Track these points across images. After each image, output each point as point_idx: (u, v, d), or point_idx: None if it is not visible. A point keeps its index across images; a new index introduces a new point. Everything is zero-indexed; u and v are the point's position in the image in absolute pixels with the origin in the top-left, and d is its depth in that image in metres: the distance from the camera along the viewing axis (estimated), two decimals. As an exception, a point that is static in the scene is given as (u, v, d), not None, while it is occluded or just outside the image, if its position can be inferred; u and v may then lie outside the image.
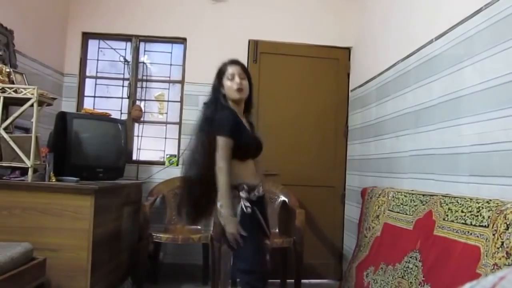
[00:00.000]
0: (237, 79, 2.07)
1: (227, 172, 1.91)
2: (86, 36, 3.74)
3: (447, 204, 1.82)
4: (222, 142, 1.93)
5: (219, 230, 2.14)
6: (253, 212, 1.98)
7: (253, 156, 2.13)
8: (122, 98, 3.77)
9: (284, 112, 3.70)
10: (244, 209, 1.95)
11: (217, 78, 2.15)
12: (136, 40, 3.75)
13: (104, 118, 3.16)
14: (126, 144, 3.27)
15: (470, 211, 1.62)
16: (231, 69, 2.10)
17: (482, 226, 1.52)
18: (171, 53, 3.84)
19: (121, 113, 3.75)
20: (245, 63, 2.29)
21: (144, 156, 3.74)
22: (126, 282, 3.08)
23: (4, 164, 2.33)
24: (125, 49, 3.81)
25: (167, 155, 3.73)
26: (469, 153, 1.90)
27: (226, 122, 1.98)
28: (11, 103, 2.47)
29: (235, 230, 1.89)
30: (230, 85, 2.08)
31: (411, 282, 1.89)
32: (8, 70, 2.46)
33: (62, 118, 2.76)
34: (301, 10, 3.79)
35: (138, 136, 3.73)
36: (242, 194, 1.97)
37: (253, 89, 2.22)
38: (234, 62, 2.15)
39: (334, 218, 3.73)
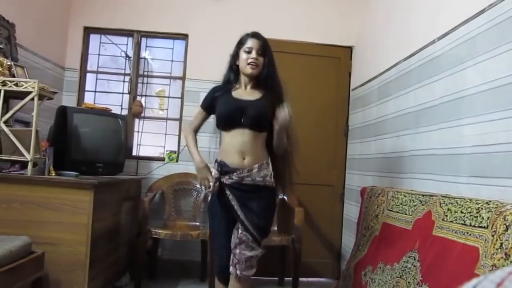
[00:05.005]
0: (253, 54, 2.03)
1: (187, 135, 2.21)
2: (88, 31, 3.73)
3: (446, 205, 1.81)
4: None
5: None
6: (218, 196, 2.01)
7: (230, 125, 2.00)
8: (122, 93, 3.77)
9: (285, 110, 3.68)
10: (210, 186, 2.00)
11: (236, 48, 2.12)
12: (138, 36, 3.74)
13: (105, 113, 3.16)
14: (126, 139, 3.27)
15: (470, 212, 1.62)
16: (250, 42, 2.06)
17: (481, 227, 1.52)
18: (172, 49, 3.83)
19: (122, 109, 3.75)
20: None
21: (144, 151, 3.74)
22: (124, 277, 3.09)
23: (4, 157, 2.33)
24: (127, 44, 3.80)
25: (167, 151, 3.73)
26: (469, 154, 1.89)
27: (206, 95, 2.18)
28: (12, 96, 2.46)
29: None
30: (245, 59, 2.04)
31: (409, 282, 1.89)
32: (9, 63, 2.46)
33: (63, 113, 2.76)
34: (303, 8, 3.78)
35: (138, 131, 3.73)
36: (213, 171, 2.01)
37: (276, 66, 2.10)
38: (255, 35, 2.09)
39: (333, 217, 3.73)
